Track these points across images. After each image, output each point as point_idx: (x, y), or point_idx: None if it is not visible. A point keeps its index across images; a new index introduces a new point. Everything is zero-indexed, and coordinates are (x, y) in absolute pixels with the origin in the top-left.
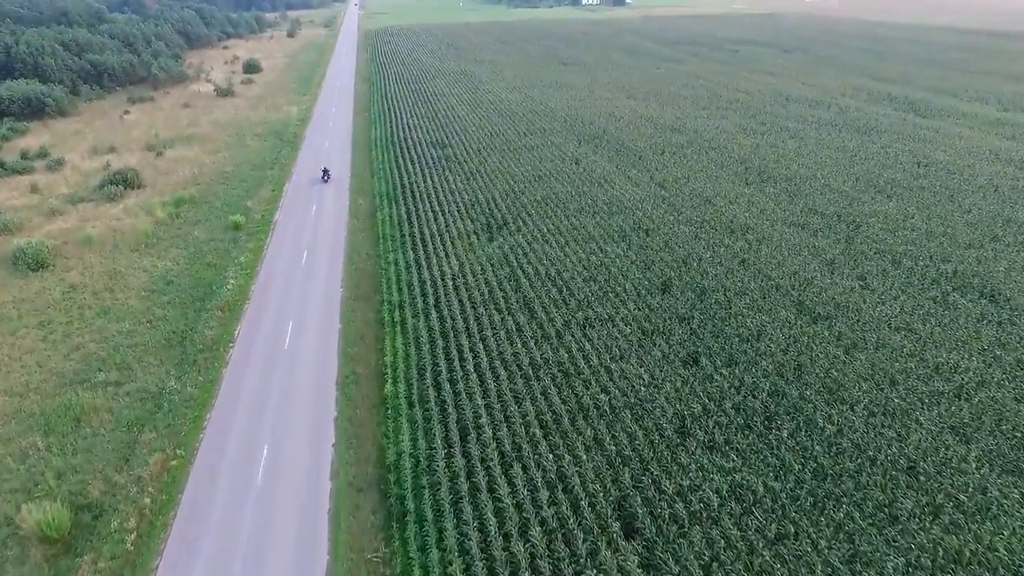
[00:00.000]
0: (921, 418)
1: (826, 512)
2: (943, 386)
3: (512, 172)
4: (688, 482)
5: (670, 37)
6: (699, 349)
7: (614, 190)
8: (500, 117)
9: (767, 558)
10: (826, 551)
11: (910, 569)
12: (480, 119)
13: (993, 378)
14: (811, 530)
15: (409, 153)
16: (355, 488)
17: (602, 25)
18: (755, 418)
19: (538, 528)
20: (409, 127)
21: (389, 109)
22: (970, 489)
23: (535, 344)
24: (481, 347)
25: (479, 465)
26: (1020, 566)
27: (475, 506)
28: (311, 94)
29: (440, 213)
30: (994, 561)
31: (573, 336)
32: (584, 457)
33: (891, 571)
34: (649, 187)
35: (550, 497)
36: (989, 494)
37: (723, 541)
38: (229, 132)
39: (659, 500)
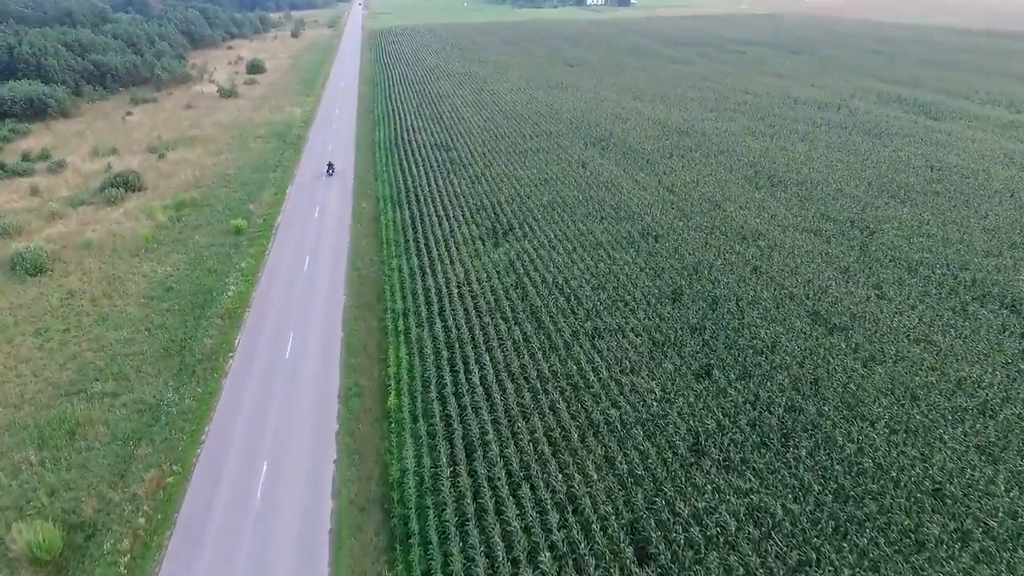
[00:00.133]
0: (945, 436)
1: (849, 537)
2: (966, 402)
3: (518, 175)
4: (703, 504)
5: (676, 38)
6: (712, 361)
7: (622, 194)
8: (505, 119)
9: None
10: None
11: None
12: (485, 121)
13: (1019, 394)
14: (834, 556)
15: (413, 155)
16: (357, 507)
17: (607, 25)
18: (771, 435)
19: (548, 553)
20: (413, 129)
21: (393, 110)
22: (1000, 514)
23: (543, 356)
24: (487, 358)
25: (486, 485)
26: None
27: (482, 529)
28: (314, 95)
29: (445, 218)
30: None
31: (582, 347)
32: (595, 476)
33: None
34: (657, 191)
35: (560, 520)
36: (1020, 519)
37: (742, 568)
38: (232, 133)
39: (673, 523)
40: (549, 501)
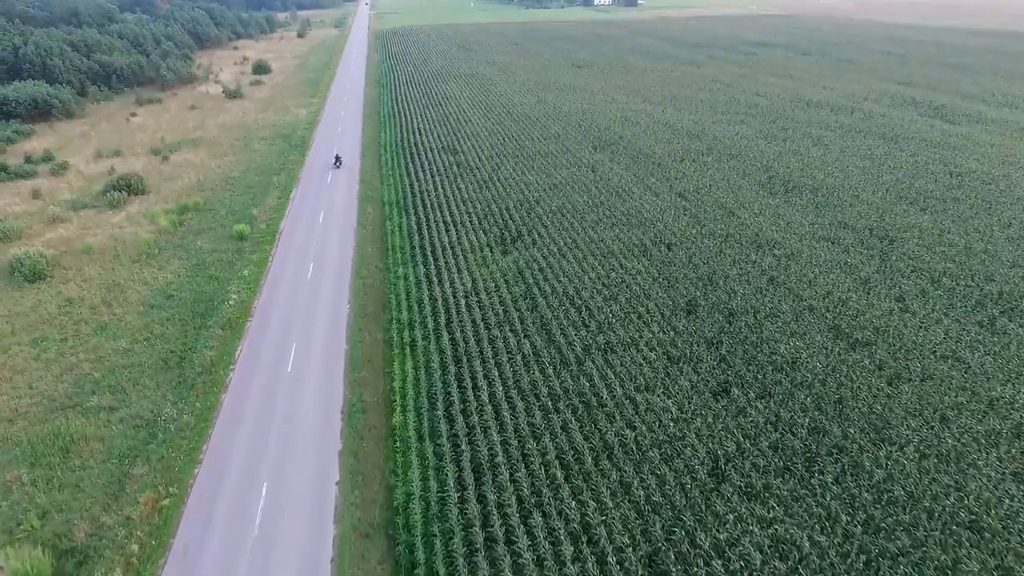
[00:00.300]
0: (979, 462)
1: (881, 573)
2: (999, 424)
3: (526, 180)
4: (725, 535)
5: (685, 39)
6: (730, 378)
7: (632, 200)
8: (513, 122)
9: None
10: None
11: None
12: (492, 124)
13: None
14: None
15: (419, 159)
16: (361, 534)
17: (615, 26)
18: (795, 459)
19: None
20: (419, 131)
21: (399, 112)
22: None
23: (554, 371)
24: (496, 374)
25: (495, 512)
26: None
27: (491, 560)
28: (320, 96)
29: (452, 224)
30: None
31: (594, 362)
32: (610, 504)
33: None
34: (669, 197)
35: (574, 551)
36: None
37: None
38: (236, 135)
39: (694, 556)
40: (562, 530)
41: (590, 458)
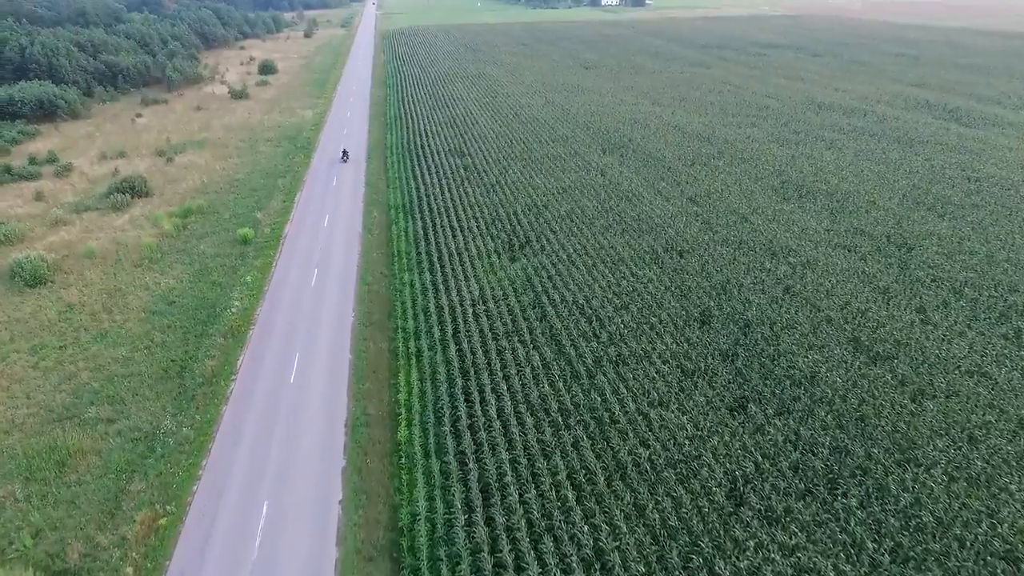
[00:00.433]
0: (1011, 486)
1: None
2: None
3: (534, 184)
4: (746, 563)
5: (693, 40)
6: (746, 393)
7: (643, 205)
8: (520, 124)
9: None
10: None
11: None
12: (500, 125)
13: None
14: None
15: (426, 161)
16: (364, 557)
17: (622, 26)
18: (816, 481)
19: None
20: (426, 133)
21: (406, 114)
22: None
23: (564, 385)
24: (504, 387)
25: (504, 535)
26: None
27: None
28: (326, 97)
29: (459, 229)
30: None
31: (606, 375)
32: (624, 528)
33: None
34: (680, 202)
35: None
36: None
37: None
38: (241, 137)
39: None
40: (574, 556)
41: (602, 478)
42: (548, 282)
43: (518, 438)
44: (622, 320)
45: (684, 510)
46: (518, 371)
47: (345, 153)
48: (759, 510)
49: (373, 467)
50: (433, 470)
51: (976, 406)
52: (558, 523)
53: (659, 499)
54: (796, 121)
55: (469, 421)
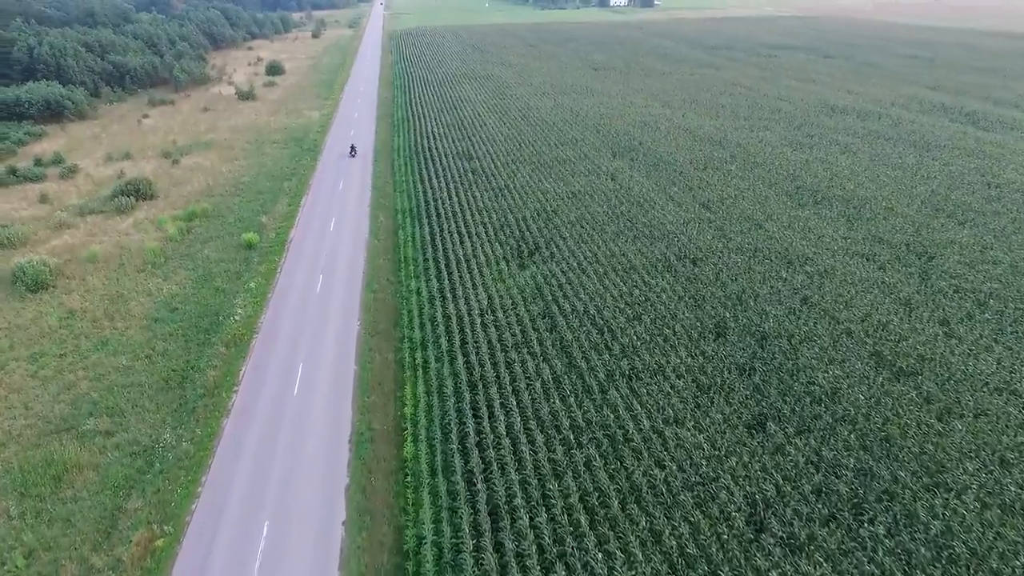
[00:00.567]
0: None
1: None
2: None
3: (543, 188)
4: None
5: (703, 41)
6: (765, 411)
7: (654, 211)
8: (529, 126)
9: None
10: None
11: None
12: (508, 128)
13: None
14: None
15: (434, 165)
16: None
17: (631, 27)
18: (841, 506)
19: None
20: (434, 135)
21: (413, 115)
22: None
23: (575, 400)
24: (514, 402)
25: (514, 562)
26: None
27: None
28: (333, 98)
29: (467, 235)
30: None
31: (619, 391)
32: (640, 556)
33: None
34: (693, 208)
35: None
36: None
37: None
38: (248, 138)
39: None
40: None
41: (616, 501)
42: (558, 291)
43: (528, 457)
44: (635, 331)
45: (702, 536)
46: (528, 385)
47: (353, 148)
48: (781, 537)
49: (378, 485)
50: (440, 490)
51: (1007, 426)
52: (571, 550)
53: (676, 524)
54: (809, 124)
55: (477, 438)
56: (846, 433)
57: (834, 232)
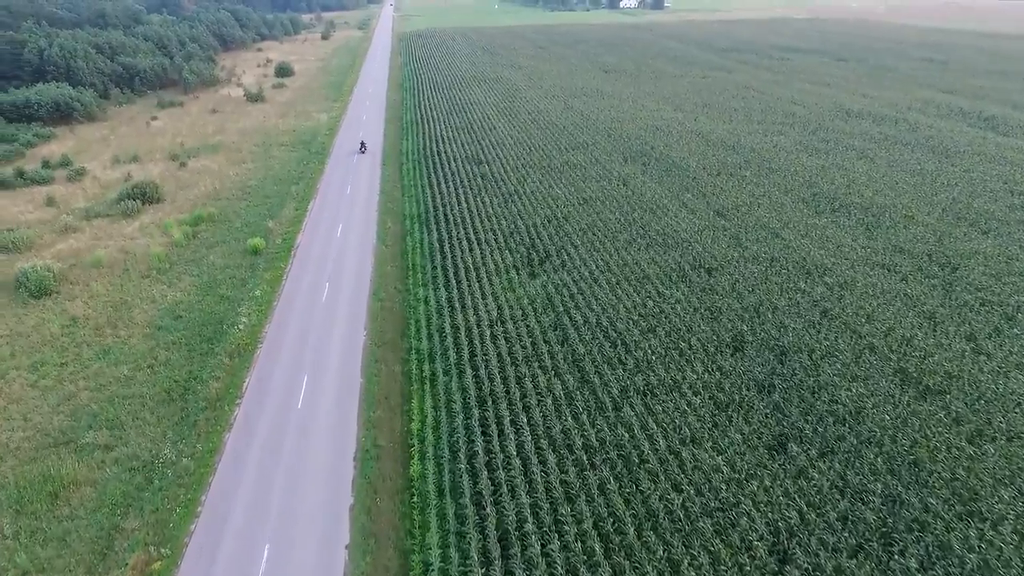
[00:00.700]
0: None
1: None
2: None
3: (554, 194)
4: None
5: (714, 43)
6: (786, 431)
7: (667, 218)
8: (539, 129)
9: None
10: None
11: None
12: (518, 131)
13: None
14: None
15: (442, 169)
16: None
17: (641, 29)
18: (869, 535)
19: None
20: (443, 139)
21: (422, 118)
22: None
23: (588, 418)
24: (524, 419)
25: None
26: None
27: None
28: (342, 100)
29: (476, 242)
30: None
31: (633, 408)
32: None
33: None
34: (707, 215)
35: None
36: None
37: None
38: (255, 141)
39: None
40: None
41: (632, 528)
42: (570, 301)
43: (539, 479)
44: (649, 345)
45: (723, 567)
46: (539, 401)
47: (363, 145)
48: (806, 569)
49: (383, 507)
50: (447, 512)
51: None
52: None
53: (695, 554)
54: (824, 129)
55: (487, 457)
56: (872, 456)
57: (853, 241)
